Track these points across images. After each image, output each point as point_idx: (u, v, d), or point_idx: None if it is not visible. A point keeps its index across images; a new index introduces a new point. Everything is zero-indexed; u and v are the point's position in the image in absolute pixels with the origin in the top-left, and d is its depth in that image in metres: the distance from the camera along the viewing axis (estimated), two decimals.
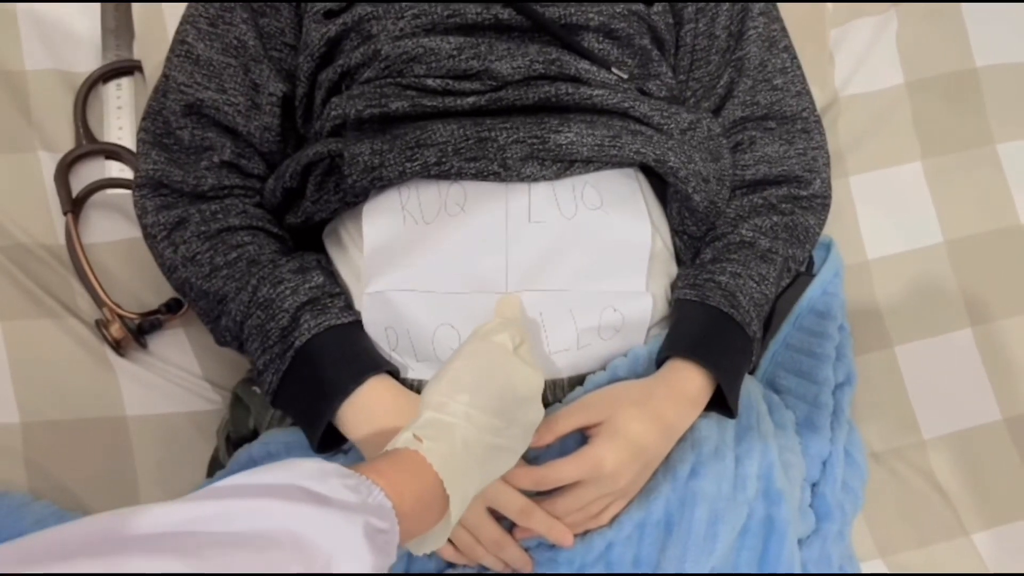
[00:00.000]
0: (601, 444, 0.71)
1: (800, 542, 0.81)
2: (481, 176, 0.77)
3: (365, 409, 0.73)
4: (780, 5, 0.94)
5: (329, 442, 0.75)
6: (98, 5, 1.04)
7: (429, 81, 0.80)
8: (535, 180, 0.78)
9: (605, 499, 0.72)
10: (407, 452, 0.60)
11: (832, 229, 0.97)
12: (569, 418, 0.72)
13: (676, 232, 0.88)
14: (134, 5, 1.02)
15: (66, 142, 1.00)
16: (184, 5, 0.88)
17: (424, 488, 0.58)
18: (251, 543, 0.47)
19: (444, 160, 0.77)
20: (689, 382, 0.76)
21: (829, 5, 1.10)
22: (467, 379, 0.65)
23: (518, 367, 0.68)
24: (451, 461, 0.60)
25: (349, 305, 0.80)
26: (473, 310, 0.76)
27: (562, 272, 0.77)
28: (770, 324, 0.89)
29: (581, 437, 0.73)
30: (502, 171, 0.77)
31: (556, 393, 0.77)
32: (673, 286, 0.85)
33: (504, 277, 0.77)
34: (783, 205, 0.88)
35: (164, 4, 1.00)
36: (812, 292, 0.90)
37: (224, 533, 0.47)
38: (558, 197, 0.79)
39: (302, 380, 0.76)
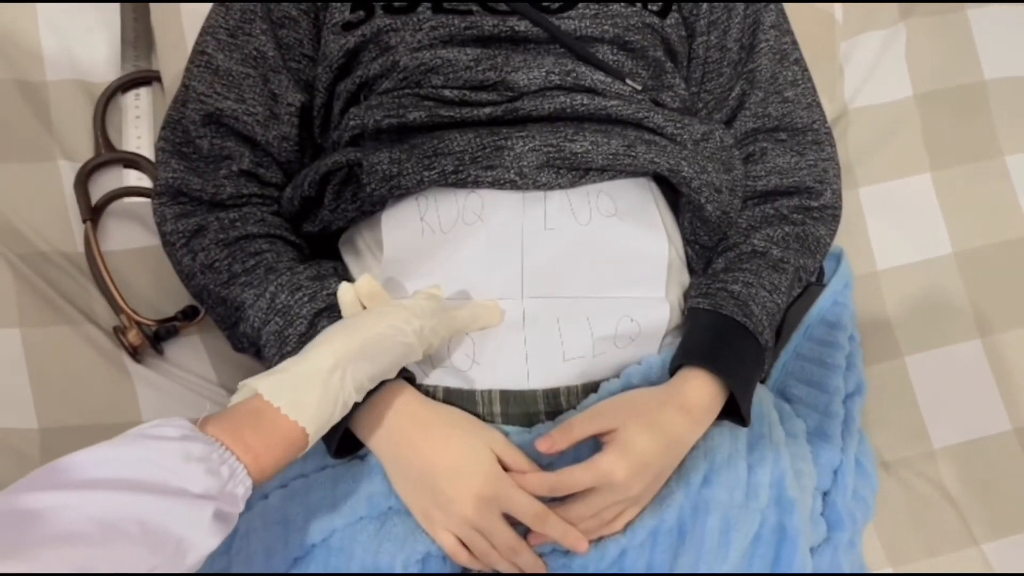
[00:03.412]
0: (611, 455, 0.71)
1: (811, 551, 0.81)
2: (498, 184, 0.78)
3: (382, 415, 0.74)
4: (791, 19, 0.95)
5: (346, 448, 0.76)
6: (118, 18, 1.05)
7: (446, 92, 0.82)
8: (550, 188, 0.79)
9: (618, 506, 0.73)
10: (266, 408, 0.62)
11: (842, 240, 0.97)
12: (583, 425, 0.73)
13: (688, 242, 0.89)
14: (153, 17, 1.04)
15: (85, 151, 1.02)
16: (204, 16, 0.90)
17: (282, 440, 0.62)
18: (92, 538, 0.50)
19: (461, 168, 0.78)
20: (701, 390, 0.77)
21: (839, 17, 1.11)
22: (361, 346, 0.68)
23: (408, 353, 0.71)
24: (309, 410, 0.64)
25: None
26: None
27: (579, 278, 0.78)
28: (781, 334, 0.90)
29: (595, 443, 0.74)
30: (518, 179, 0.78)
31: (570, 400, 0.78)
32: (685, 295, 0.85)
33: (520, 284, 0.78)
34: (794, 216, 0.88)
35: (183, 17, 1.02)
36: (822, 302, 0.90)
37: (61, 531, 0.50)
38: (573, 205, 0.80)
39: None
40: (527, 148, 0.78)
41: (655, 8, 0.88)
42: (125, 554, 0.52)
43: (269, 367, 0.75)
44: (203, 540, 0.56)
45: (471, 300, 0.78)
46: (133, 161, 1.02)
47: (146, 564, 0.53)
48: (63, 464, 0.54)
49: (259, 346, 0.81)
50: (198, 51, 0.88)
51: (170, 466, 0.56)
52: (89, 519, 0.51)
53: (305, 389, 0.64)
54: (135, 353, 0.95)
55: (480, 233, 0.78)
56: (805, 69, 0.93)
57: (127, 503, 0.53)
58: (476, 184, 0.79)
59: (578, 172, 0.80)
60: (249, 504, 0.77)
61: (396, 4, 0.85)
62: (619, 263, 0.79)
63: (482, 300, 0.78)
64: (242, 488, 0.60)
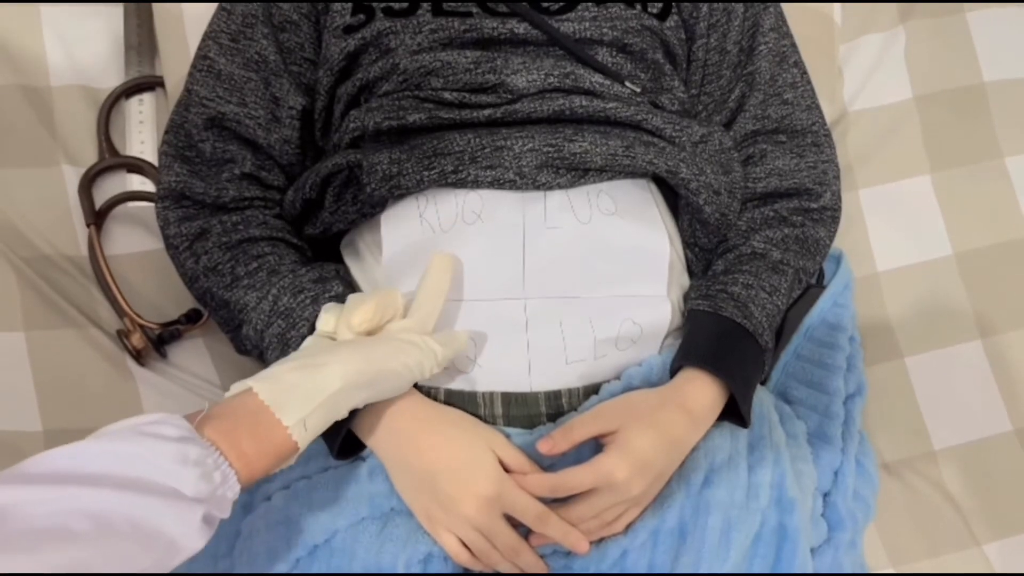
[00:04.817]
0: (612, 456, 0.71)
1: (812, 551, 0.81)
2: (497, 184, 0.79)
3: (383, 417, 0.74)
4: (790, 22, 0.95)
5: (348, 449, 0.76)
6: (121, 23, 1.06)
7: (446, 94, 0.82)
8: (550, 188, 0.80)
9: (619, 507, 0.73)
10: (265, 416, 0.63)
11: (842, 241, 0.97)
12: (584, 427, 0.73)
13: (687, 244, 0.89)
14: (156, 23, 1.04)
15: (89, 156, 1.02)
16: (206, 21, 0.91)
17: (275, 451, 0.63)
18: (87, 533, 0.50)
19: (461, 168, 0.79)
20: (702, 392, 0.77)
21: (838, 19, 1.11)
22: (371, 379, 0.69)
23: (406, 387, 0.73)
24: (310, 432, 0.65)
25: None
26: (490, 317, 0.77)
27: (581, 278, 0.78)
28: (781, 335, 0.90)
29: (596, 444, 0.74)
30: (518, 179, 0.79)
31: (571, 402, 0.78)
32: (685, 297, 0.86)
33: (521, 283, 0.78)
34: (794, 217, 0.89)
35: (186, 22, 1.02)
36: (823, 304, 0.91)
37: (53, 525, 0.50)
38: (573, 204, 0.80)
39: None
40: (526, 148, 0.79)
41: (655, 10, 0.88)
42: (119, 552, 0.51)
43: None
44: (192, 542, 0.56)
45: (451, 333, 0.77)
46: (136, 166, 1.02)
47: (139, 564, 0.52)
48: (56, 454, 0.54)
49: (262, 348, 0.82)
50: (200, 55, 0.88)
51: (165, 466, 0.55)
52: (83, 514, 0.51)
53: (312, 410, 0.64)
54: (138, 356, 0.95)
55: (480, 233, 0.79)
56: (804, 71, 0.94)
57: (120, 500, 0.53)
58: (476, 184, 0.79)
59: (577, 172, 0.80)
60: (252, 506, 0.78)
61: (396, 7, 0.86)
62: (621, 260, 0.80)
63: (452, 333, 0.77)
64: (231, 493, 0.60)
